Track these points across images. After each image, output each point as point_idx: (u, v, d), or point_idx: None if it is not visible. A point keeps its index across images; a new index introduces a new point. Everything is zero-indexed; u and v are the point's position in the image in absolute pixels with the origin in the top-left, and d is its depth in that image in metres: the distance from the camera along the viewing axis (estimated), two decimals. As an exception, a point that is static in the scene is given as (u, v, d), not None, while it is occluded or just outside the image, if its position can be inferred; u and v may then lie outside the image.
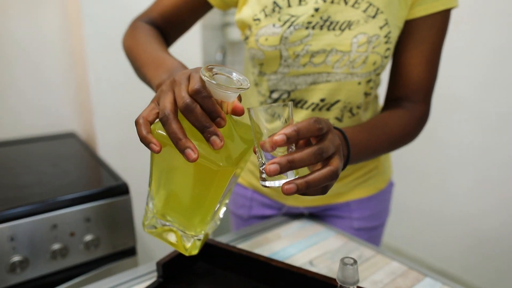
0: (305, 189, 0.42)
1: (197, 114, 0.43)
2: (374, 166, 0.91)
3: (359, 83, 0.75)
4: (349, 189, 0.90)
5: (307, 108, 0.77)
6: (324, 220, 0.95)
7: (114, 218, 1.01)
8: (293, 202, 0.93)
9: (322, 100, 0.76)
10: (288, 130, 0.41)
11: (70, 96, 1.61)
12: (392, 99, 0.79)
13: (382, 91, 0.85)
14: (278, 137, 0.41)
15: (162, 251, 1.61)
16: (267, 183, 0.45)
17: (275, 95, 0.79)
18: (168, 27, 0.80)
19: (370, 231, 0.94)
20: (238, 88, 0.44)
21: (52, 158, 1.28)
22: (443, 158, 2.12)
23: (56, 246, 0.93)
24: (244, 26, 0.75)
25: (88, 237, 0.98)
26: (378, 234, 0.97)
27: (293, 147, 0.45)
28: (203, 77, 0.43)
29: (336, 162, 0.44)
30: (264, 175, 0.45)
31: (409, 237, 2.36)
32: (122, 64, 1.33)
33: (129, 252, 1.06)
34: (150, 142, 0.45)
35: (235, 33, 2.15)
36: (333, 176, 0.43)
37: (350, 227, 0.93)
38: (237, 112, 0.47)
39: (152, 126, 0.47)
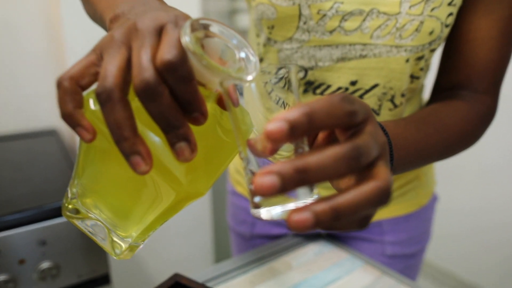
0: (330, 221, 0.24)
1: (162, 105, 0.28)
2: (414, 176, 0.70)
3: (407, 61, 0.55)
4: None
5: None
6: (348, 243, 0.75)
7: (78, 239, 0.81)
8: None
9: (352, 84, 0.56)
10: (293, 113, 0.24)
11: (49, 88, 1.44)
12: (446, 87, 0.59)
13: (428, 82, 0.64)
14: (274, 125, 0.23)
15: (143, 276, 1.41)
16: (262, 212, 0.28)
17: (281, 72, 0.58)
18: None
19: (407, 259, 0.73)
20: (241, 73, 0.30)
21: (18, 160, 1.08)
22: (484, 162, 1.90)
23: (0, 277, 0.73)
24: None
25: (44, 265, 0.78)
26: (416, 263, 0.76)
27: (305, 146, 0.30)
28: (184, 40, 0.28)
29: (383, 173, 0.27)
30: (256, 198, 0.28)
31: (453, 254, 2.12)
32: None
33: (101, 281, 0.86)
34: (78, 125, 0.30)
35: (244, 21, 1.97)
36: (382, 198, 0.26)
37: (382, 254, 0.72)
38: (233, 101, 0.31)
39: (85, 95, 0.31)
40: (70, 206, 0.40)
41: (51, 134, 1.39)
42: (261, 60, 0.62)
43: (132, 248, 0.39)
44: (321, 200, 0.24)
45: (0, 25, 1.33)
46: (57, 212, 0.79)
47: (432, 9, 0.50)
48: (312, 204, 0.24)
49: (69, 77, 0.30)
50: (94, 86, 0.31)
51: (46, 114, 1.45)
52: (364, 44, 0.54)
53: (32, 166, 1.05)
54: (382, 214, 0.71)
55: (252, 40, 0.65)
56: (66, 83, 0.29)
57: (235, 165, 0.80)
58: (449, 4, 0.51)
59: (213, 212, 1.66)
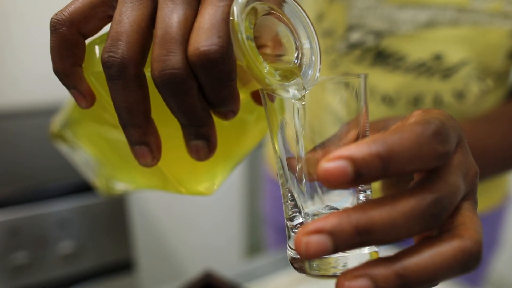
0: None
1: (186, 103, 0.22)
2: None
3: (511, 34, 0.45)
4: None
5: (406, 70, 0.47)
6: (405, 243, 0.65)
7: (102, 220, 0.76)
8: None
9: (437, 58, 0.47)
10: (363, 150, 0.17)
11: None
12: None
13: None
14: (334, 165, 0.17)
15: (170, 266, 1.36)
16: (307, 268, 0.23)
17: (355, 37, 0.49)
18: None
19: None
20: (292, 83, 0.23)
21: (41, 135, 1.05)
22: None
23: (19, 257, 0.68)
24: None
25: (65, 245, 0.72)
26: (479, 275, 0.66)
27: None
28: (236, 25, 0.21)
29: (471, 225, 0.20)
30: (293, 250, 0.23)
31: None
32: None
33: (124, 267, 0.81)
34: (73, 87, 0.24)
35: None
36: (467, 263, 0.19)
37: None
38: (271, 97, 0.25)
39: (88, 43, 0.25)
40: (55, 130, 0.38)
41: None
42: (320, 16, 0.52)
43: (119, 188, 0.37)
44: (382, 260, 0.19)
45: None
46: (78, 189, 0.74)
47: None
48: (369, 265, 0.18)
49: (69, 20, 0.23)
50: (103, 31, 0.25)
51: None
52: (461, 8, 0.44)
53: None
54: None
55: None
56: (64, 29, 0.22)
57: None
58: None
59: (245, 199, 1.59)
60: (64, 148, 0.40)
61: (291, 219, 0.24)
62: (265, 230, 0.82)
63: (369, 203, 0.18)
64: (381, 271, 0.18)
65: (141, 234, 1.29)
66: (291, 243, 0.23)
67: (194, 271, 0.53)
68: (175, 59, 0.20)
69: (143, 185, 0.34)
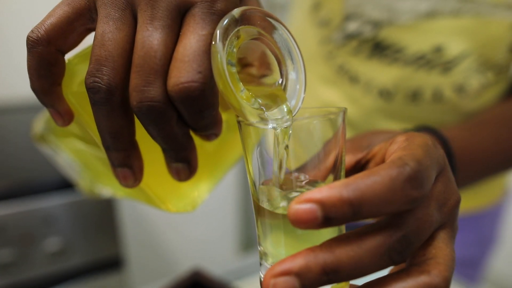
0: None
1: (166, 131, 0.22)
2: None
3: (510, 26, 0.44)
4: None
5: (405, 63, 0.46)
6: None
7: (91, 216, 0.74)
8: None
9: (437, 50, 0.45)
10: (333, 194, 0.17)
11: None
12: None
13: None
14: (303, 208, 0.17)
15: (160, 262, 1.34)
16: None
17: (352, 27, 0.47)
18: None
19: (467, 267, 0.62)
20: (272, 111, 0.22)
21: (28, 131, 1.03)
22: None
23: (5, 255, 0.66)
24: None
25: (53, 242, 0.70)
26: (477, 271, 0.65)
27: None
28: (216, 50, 0.20)
29: (442, 259, 0.20)
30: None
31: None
32: None
33: (113, 264, 0.79)
34: (51, 106, 0.23)
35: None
36: None
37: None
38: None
39: (68, 60, 0.23)
40: (38, 132, 0.36)
41: None
42: (317, 5, 0.51)
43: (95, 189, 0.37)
44: None
45: None
46: (67, 184, 0.72)
47: None
48: None
49: (46, 39, 0.21)
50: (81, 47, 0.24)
51: None
52: None
53: None
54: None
55: None
56: (42, 49, 0.21)
57: None
58: None
59: (239, 194, 1.58)
60: (47, 149, 0.39)
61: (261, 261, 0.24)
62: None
63: (335, 241, 0.18)
64: None
65: (131, 230, 1.28)
66: (262, 271, 0.23)
67: (185, 268, 0.52)
68: (154, 91, 0.20)
69: (126, 194, 0.34)
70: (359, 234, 0.18)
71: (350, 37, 0.48)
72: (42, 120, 0.37)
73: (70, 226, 0.75)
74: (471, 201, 0.59)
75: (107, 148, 0.23)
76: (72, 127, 0.27)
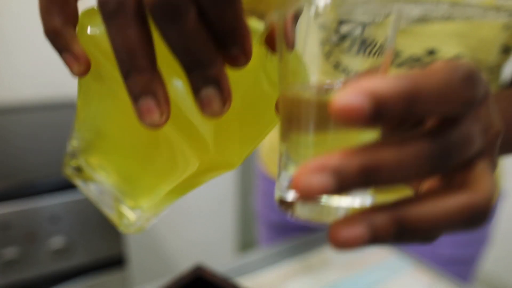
0: (391, 239, 0.17)
1: (186, 30, 0.18)
2: None
3: (507, 28, 0.45)
4: None
5: (399, 65, 0.48)
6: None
7: (93, 215, 0.75)
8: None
9: (430, 53, 0.47)
10: (387, 85, 0.15)
11: None
12: None
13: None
14: (351, 98, 0.15)
15: (161, 260, 1.35)
16: (297, 208, 0.20)
17: (344, 29, 0.49)
18: None
19: (461, 265, 0.64)
20: None
21: (32, 131, 1.04)
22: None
23: (9, 252, 0.67)
24: None
25: (56, 241, 0.71)
26: (469, 270, 0.66)
27: None
28: None
29: (483, 181, 0.18)
30: (289, 192, 0.21)
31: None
32: None
33: (115, 262, 0.81)
34: (65, 49, 0.22)
35: None
36: (474, 218, 0.17)
37: (433, 255, 0.63)
38: (288, 40, 0.23)
39: (81, 14, 0.23)
40: (72, 164, 0.32)
41: (72, 106, 1.34)
42: (317, 14, 0.52)
43: (142, 221, 0.31)
44: (380, 208, 0.17)
45: None
46: (70, 184, 0.73)
47: None
48: (368, 212, 0.17)
49: None
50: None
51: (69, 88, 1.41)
52: (453, 2, 0.44)
53: (49, 137, 1.01)
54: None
55: None
56: None
57: (269, 142, 0.71)
58: None
59: (238, 195, 1.59)
60: (78, 181, 0.35)
61: (282, 175, 0.21)
62: (257, 226, 0.82)
63: (374, 143, 0.16)
64: (380, 219, 0.17)
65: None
66: (283, 179, 0.21)
67: (185, 266, 0.52)
68: None
69: (166, 186, 0.30)
70: (399, 139, 0.17)
71: (343, 37, 0.50)
72: (69, 148, 0.35)
73: (73, 225, 0.76)
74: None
75: (126, 74, 0.20)
76: (95, 87, 0.25)
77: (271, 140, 0.70)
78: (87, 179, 0.32)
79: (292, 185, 0.16)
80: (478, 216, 0.17)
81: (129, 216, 0.31)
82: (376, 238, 0.17)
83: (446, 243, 0.62)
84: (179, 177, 0.26)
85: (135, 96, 0.20)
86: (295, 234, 0.71)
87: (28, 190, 0.72)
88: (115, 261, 0.82)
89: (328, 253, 0.60)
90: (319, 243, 0.62)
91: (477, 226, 0.18)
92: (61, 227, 0.74)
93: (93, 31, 0.22)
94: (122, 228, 0.31)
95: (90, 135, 0.30)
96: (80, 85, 0.26)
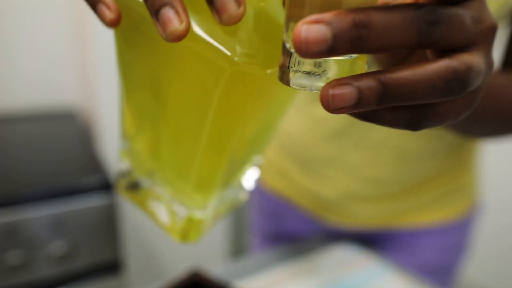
0: (375, 102, 0.18)
1: None
2: (452, 179, 0.64)
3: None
4: (420, 207, 0.64)
5: None
6: (377, 248, 0.70)
7: (92, 222, 0.77)
8: (340, 218, 0.66)
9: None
10: (340, 18, 0.17)
11: (71, 69, 1.42)
12: None
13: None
14: (310, 29, 0.17)
15: (157, 265, 1.38)
16: (295, 78, 0.20)
17: None
18: None
19: (439, 274, 0.68)
20: None
21: (35, 142, 1.06)
22: None
23: (12, 257, 0.70)
24: None
25: (56, 246, 0.74)
26: (448, 279, 0.70)
27: None
28: None
29: (468, 56, 0.19)
30: (291, 60, 0.20)
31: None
32: None
33: (112, 267, 0.83)
34: (100, 1, 0.24)
35: None
36: (453, 82, 0.19)
37: (412, 263, 0.66)
38: None
39: None
40: (126, 182, 0.33)
41: (69, 117, 1.37)
42: None
43: (193, 221, 0.30)
44: (366, 73, 0.18)
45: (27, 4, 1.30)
46: (71, 191, 0.76)
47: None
48: (355, 76, 0.18)
49: None
50: None
51: (66, 95, 1.43)
52: None
53: (48, 147, 1.03)
54: (419, 217, 0.65)
55: None
56: None
57: (275, 163, 0.72)
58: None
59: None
60: (136, 200, 0.35)
61: (287, 45, 0.21)
62: (248, 236, 0.84)
63: (366, 9, 0.17)
64: (365, 81, 0.18)
65: (130, 235, 1.31)
66: (288, 62, 0.21)
67: (181, 271, 0.55)
68: None
69: (224, 158, 0.28)
70: (388, 6, 0.18)
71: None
72: (119, 171, 0.35)
73: (75, 231, 0.78)
74: (441, 212, 0.65)
75: None
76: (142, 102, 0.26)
77: (273, 154, 0.71)
78: (144, 195, 0.32)
79: (293, 39, 0.17)
80: (457, 82, 0.18)
81: (196, 216, 0.30)
82: (361, 99, 0.18)
83: (428, 249, 0.66)
84: (225, 118, 0.25)
85: (155, 11, 0.21)
86: (287, 243, 0.74)
87: (32, 197, 0.74)
88: (112, 266, 0.84)
89: (314, 261, 0.64)
90: (305, 251, 0.66)
91: (455, 91, 0.19)
92: (61, 233, 0.76)
93: None
94: (180, 238, 0.31)
95: (137, 128, 0.30)
96: (119, 56, 0.28)
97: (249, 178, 0.34)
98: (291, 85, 0.20)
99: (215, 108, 0.24)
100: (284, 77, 0.21)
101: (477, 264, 1.86)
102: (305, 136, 0.62)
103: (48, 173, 0.81)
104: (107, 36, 1.24)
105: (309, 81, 0.20)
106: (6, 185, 0.76)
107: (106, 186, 0.80)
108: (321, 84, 0.20)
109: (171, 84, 0.26)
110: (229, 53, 0.22)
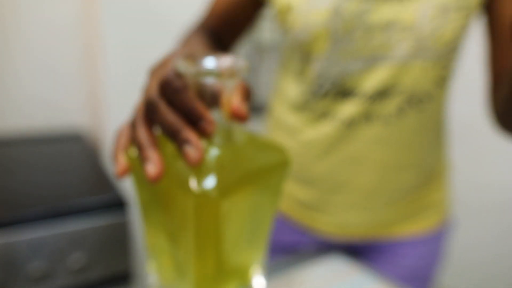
0: None
1: (159, 113, 0.32)
2: (427, 193, 0.72)
3: (430, 67, 0.59)
4: (399, 219, 0.71)
5: (360, 97, 0.61)
6: (361, 260, 0.77)
7: (106, 238, 0.85)
8: (330, 229, 0.74)
9: (379, 89, 0.61)
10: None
11: (79, 93, 1.48)
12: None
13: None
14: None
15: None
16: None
17: (321, 82, 0.63)
18: (222, 30, 0.71)
19: (419, 281, 0.75)
20: (220, 72, 0.31)
21: (41, 164, 1.13)
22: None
23: (33, 268, 0.77)
24: (285, 6, 0.62)
25: (73, 259, 0.82)
26: (426, 287, 0.77)
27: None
28: (176, 63, 0.31)
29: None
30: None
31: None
32: (143, 55, 1.24)
33: (124, 277, 0.89)
34: (115, 159, 0.35)
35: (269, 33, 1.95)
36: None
37: (394, 272, 0.74)
38: (236, 114, 0.32)
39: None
40: None
41: (76, 139, 1.41)
42: (300, 73, 0.67)
43: None
44: None
45: (38, 29, 1.36)
46: (72, 210, 0.82)
47: (448, 18, 0.55)
48: None
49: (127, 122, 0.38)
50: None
51: (73, 117, 1.48)
52: (389, 52, 0.58)
53: (54, 170, 1.09)
54: (399, 228, 0.73)
55: (287, 63, 0.70)
56: (120, 129, 0.37)
57: None
58: (462, 8, 0.56)
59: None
60: None
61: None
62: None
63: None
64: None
65: (141, 249, 1.36)
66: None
67: None
68: (151, 93, 0.33)
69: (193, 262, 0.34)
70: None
71: (319, 89, 0.63)
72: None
73: (91, 246, 0.84)
74: (418, 224, 0.73)
75: (139, 149, 0.32)
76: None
77: None
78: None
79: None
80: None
81: None
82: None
83: (408, 258, 0.73)
84: (198, 239, 0.32)
85: (142, 159, 0.32)
86: (278, 255, 0.82)
87: (54, 214, 0.81)
88: (121, 277, 0.90)
89: (298, 274, 0.70)
90: (289, 264, 0.72)
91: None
92: (81, 248, 0.83)
93: (131, 153, 0.35)
94: None
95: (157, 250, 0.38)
96: (141, 206, 0.38)
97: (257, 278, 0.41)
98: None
99: (195, 226, 0.31)
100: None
101: (452, 272, 1.93)
102: (297, 157, 0.70)
103: (61, 193, 0.88)
104: (116, 56, 1.31)
105: None
106: (18, 204, 0.83)
107: (119, 204, 0.88)
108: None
109: (166, 206, 0.34)
110: (193, 187, 0.30)
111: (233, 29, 0.70)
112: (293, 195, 0.74)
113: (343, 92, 0.63)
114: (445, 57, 0.60)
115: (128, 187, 1.35)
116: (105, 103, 1.34)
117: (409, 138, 0.65)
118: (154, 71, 0.39)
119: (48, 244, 0.80)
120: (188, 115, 0.31)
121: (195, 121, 0.31)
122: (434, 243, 0.74)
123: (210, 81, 0.31)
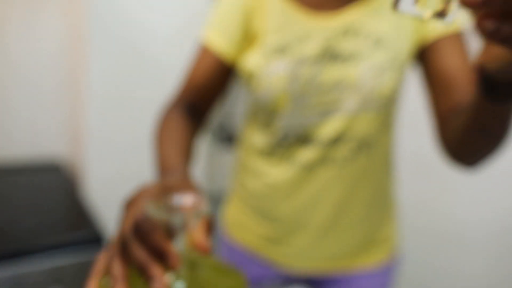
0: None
1: (131, 251, 0.38)
2: (377, 228, 0.80)
3: (375, 116, 0.69)
4: (355, 252, 0.79)
5: (318, 144, 0.71)
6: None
7: (80, 275, 0.89)
8: (292, 262, 0.81)
9: (333, 137, 0.71)
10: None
11: (59, 123, 1.52)
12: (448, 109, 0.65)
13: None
14: None
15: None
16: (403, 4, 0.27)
17: (285, 133, 0.72)
18: (198, 101, 0.76)
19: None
20: (183, 215, 0.37)
21: (20, 195, 1.16)
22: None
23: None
24: (248, 73, 0.72)
25: None
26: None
27: None
28: (146, 207, 0.38)
29: None
30: None
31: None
32: (125, 87, 1.26)
33: None
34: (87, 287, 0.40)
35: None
36: None
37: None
38: (200, 248, 0.39)
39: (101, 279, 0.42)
40: None
41: (55, 169, 1.43)
42: (267, 126, 0.75)
43: None
44: None
45: (25, 57, 1.38)
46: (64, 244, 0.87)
47: (384, 76, 0.66)
48: None
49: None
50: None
51: (53, 146, 1.50)
52: (340, 106, 0.68)
53: (32, 203, 1.10)
54: (355, 261, 0.80)
55: (252, 119, 0.78)
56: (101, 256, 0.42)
57: (237, 217, 0.86)
58: (398, 66, 0.67)
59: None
60: None
61: None
62: None
63: None
64: None
65: None
66: None
67: None
68: (123, 231, 0.39)
69: None
70: None
71: (284, 138, 0.72)
72: None
73: (70, 281, 0.87)
74: (371, 258, 0.80)
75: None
76: None
77: (236, 216, 0.86)
78: None
79: None
80: None
81: None
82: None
83: (362, 287, 0.80)
84: None
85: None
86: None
87: (29, 250, 0.85)
88: None
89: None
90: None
91: None
92: (57, 282, 0.86)
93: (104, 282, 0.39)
94: None
95: None
96: None
97: None
98: (399, 10, 0.28)
99: None
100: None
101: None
102: (262, 198, 0.77)
103: (39, 230, 0.91)
104: (98, 88, 1.34)
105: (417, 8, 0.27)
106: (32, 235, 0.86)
107: (97, 240, 0.93)
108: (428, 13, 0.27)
109: None
110: None
111: (208, 98, 0.76)
112: (258, 231, 0.81)
113: (303, 140, 0.72)
114: (387, 107, 0.70)
115: (106, 222, 1.39)
116: (85, 133, 1.37)
117: (360, 178, 0.74)
118: (129, 205, 0.43)
119: (28, 279, 0.82)
120: (157, 252, 0.37)
121: (162, 257, 0.37)
122: (385, 277, 0.82)
123: (176, 220, 0.38)
